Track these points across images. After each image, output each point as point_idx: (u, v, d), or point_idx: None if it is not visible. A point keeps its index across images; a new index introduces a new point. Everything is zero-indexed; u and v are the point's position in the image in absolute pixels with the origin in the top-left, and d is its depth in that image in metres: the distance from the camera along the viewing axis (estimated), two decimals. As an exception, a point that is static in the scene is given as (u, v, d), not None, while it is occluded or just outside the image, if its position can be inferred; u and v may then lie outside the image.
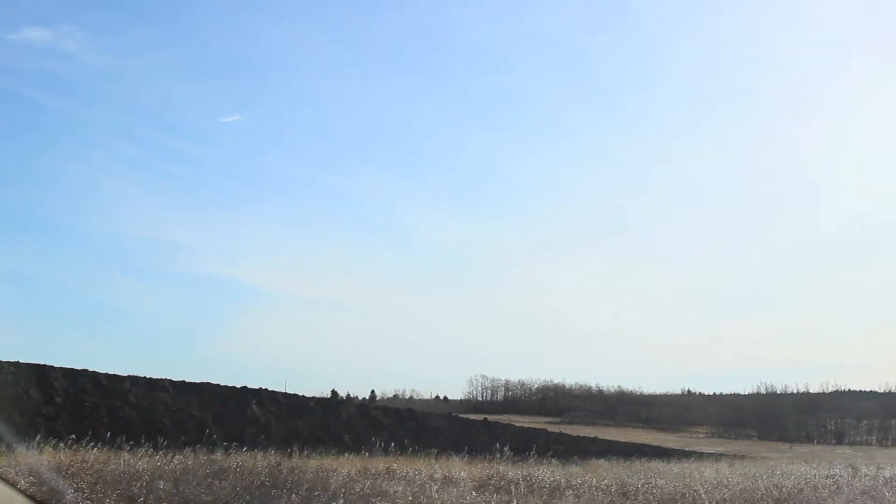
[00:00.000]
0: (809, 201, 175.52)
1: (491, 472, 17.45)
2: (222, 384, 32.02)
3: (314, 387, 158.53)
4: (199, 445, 19.51)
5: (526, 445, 44.12)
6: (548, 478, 16.21)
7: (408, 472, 16.64)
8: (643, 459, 34.02)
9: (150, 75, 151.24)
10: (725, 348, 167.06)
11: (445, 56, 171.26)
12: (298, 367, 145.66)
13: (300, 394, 36.95)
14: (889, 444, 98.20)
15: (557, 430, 53.01)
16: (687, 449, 57.11)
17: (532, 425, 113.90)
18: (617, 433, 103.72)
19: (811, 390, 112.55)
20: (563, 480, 15.86)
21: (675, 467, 24.56)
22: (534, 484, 15.04)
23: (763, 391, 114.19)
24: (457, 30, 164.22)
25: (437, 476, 16.04)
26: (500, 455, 22.08)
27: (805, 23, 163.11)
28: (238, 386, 32.54)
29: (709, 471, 22.13)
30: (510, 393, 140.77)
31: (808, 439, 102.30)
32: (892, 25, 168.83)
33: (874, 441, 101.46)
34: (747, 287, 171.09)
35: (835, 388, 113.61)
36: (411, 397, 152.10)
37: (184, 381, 29.65)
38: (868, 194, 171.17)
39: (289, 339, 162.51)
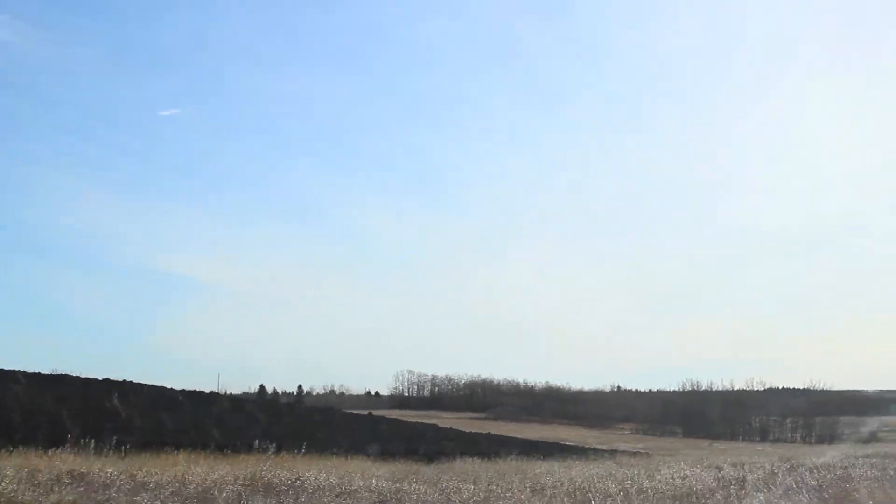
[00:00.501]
0: (743, 202, 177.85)
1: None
2: (82, 376, 29.24)
3: (249, 383, 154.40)
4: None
5: (411, 442, 40.26)
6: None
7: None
8: (535, 457, 31.12)
9: (89, 67, 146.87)
10: (657, 346, 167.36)
11: (389, 52, 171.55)
12: (233, 363, 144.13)
13: (203, 390, 35.56)
14: (812, 440, 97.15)
15: (449, 426, 48.73)
16: (600, 447, 53.46)
17: (456, 421, 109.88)
18: (542, 430, 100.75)
19: (736, 387, 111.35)
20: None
21: (546, 466, 20.59)
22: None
23: (689, 388, 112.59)
24: (400, 26, 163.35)
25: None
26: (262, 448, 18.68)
27: (749, 16, 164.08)
28: (100, 378, 29.43)
29: (576, 471, 18.21)
30: (437, 388, 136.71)
31: (734, 436, 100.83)
32: (833, 21, 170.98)
33: (798, 438, 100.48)
34: (681, 285, 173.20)
35: (762, 386, 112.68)
36: (342, 393, 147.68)
37: (39, 372, 27.29)
38: (800, 197, 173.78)
39: (225, 334, 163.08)
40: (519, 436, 51.72)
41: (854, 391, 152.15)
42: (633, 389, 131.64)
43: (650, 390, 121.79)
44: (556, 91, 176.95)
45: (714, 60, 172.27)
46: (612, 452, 44.67)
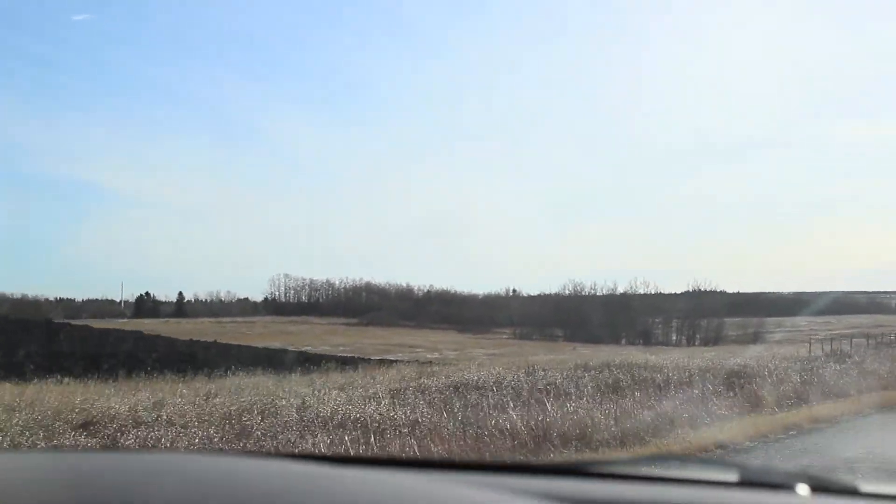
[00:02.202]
0: (647, 114, 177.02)
1: None
2: None
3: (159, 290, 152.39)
4: None
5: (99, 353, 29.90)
6: None
7: None
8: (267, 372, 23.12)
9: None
10: (554, 252, 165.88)
11: None
12: (146, 272, 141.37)
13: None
14: (697, 343, 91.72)
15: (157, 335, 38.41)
16: (400, 356, 44.16)
17: (326, 327, 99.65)
18: (416, 335, 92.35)
19: (621, 290, 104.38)
20: None
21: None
22: None
23: (570, 291, 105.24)
24: None
25: None
26: None
27: None
28: None
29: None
30: (315, 293, 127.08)
31: (616, 340, 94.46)
32: None
33: (683, 341, 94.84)
34: (580, 193, 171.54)
35: (650, 290, 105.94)
36: (222, 300, 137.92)
37: None
38: (701, 111, 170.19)
39: (138, 244, 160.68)
40: (259, 345, 41.76)
41: (768, 293, 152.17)
42: (526, 294, 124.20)
43: (541, 294, 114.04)
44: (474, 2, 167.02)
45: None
46: (394, 363, 35.19)
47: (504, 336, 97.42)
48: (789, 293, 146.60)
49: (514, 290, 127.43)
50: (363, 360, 34.86)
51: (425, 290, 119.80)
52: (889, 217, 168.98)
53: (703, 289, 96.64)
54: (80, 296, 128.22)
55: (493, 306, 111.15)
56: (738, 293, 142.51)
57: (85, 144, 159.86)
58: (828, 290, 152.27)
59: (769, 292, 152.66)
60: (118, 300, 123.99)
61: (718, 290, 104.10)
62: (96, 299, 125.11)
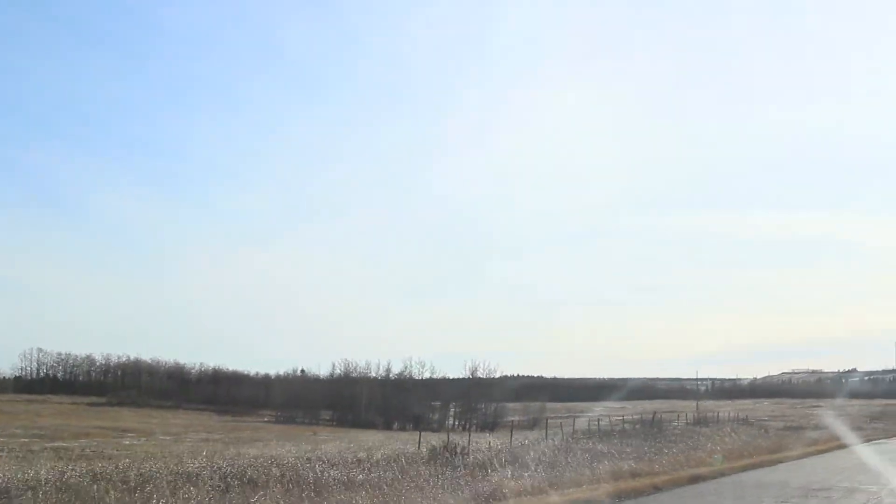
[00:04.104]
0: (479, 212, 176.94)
1: None
2: None
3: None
4: None
5: None
6: None
7: None
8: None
9: None
10: (338, 332, 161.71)
11: (144, 35, 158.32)
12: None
13: None
14: (474, 428, 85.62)
15: None
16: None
17: (58, 407, 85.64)
18: (156, 417, 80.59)
19: (394, 373, 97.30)
20: None
21: None
22: None
23: (341, 372, 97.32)
24: (156, 8, 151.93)
25: None
26: None
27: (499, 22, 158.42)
28: None
29: None
30: (75, 370, 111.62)
31: (387, 425, 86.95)
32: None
33: (458, 425, 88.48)
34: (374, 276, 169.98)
35: (424, 374, 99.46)
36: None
37: None
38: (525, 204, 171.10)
39: None
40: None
41: (577, 378, 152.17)
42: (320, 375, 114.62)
43: (312, 375, 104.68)
44: (313, 85, 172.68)
45: (459, 60, 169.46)
46: None
47: (265, 419, 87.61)
48: (601, 378, 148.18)
49: (303, 370, 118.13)
50: None
51: (196, 369, 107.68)
52: (701, 308, 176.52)
53: (480, 374, 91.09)
54: None
55: (265, 387, 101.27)
56: (535, 377, 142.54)
57: None
58: (640, 376, 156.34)
59: (577, 378, 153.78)
60: None
61: (501, 375, 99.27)
62: None
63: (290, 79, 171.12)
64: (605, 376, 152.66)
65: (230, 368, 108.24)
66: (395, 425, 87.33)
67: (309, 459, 18.80)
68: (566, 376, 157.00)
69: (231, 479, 14.62)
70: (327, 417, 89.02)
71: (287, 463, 17.83)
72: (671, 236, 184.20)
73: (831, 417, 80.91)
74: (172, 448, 38.44)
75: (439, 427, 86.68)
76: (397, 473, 15.85)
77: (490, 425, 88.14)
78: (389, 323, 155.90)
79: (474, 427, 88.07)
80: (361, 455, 22.09)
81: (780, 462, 25.41)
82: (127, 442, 46.63)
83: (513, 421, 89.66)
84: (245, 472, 15.72)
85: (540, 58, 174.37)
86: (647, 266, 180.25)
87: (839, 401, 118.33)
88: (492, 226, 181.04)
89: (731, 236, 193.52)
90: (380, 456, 21.01)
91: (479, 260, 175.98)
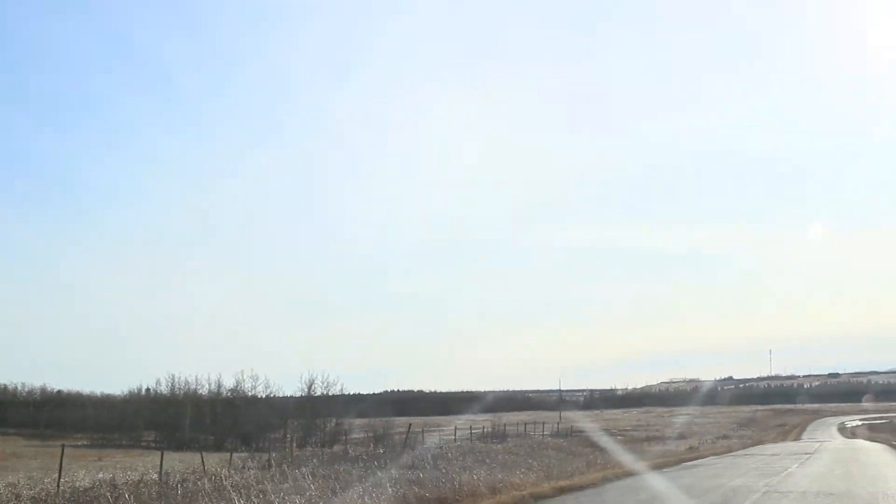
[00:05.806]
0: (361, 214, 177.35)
1: None
2: None
3: None
4: None
5: None
6: None
7: None
8: None
9: None
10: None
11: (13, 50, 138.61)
12: None
13: None
14: (311, 445, 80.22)
15: None
16: None
17: None
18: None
19: (227, 388, 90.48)
20: None
21: None
22: None
23: (165, 388, 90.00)
24: (15, 24, 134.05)
25: None
26: None
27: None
28: None
29: None
30: None
31: (218, 446, 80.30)
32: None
33: (295, 445, 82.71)
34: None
35: (258, 389, 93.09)
36: None
37: None
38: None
39: None
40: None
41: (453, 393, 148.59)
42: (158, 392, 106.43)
43: (130, 392, 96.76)
44: (191, 100, 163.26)
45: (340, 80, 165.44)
46: None
47: (80, 443, 79.79)
48: (477, 391, 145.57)
49: (149, 389, 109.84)
50: None
51: (20, 390, 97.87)
52: (589, 320, 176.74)
53: (317, 389, 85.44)
54: None
55: (93, 409, 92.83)
56: (415, 391, 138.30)
57: None
58: (521, 388, 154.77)
59: (455, 392, 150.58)
60: None
61: (342, 392, 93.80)
62: None
63: (163, 93, 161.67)
64: (485, 389, 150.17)
65: (54, 389, 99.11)
66: (227, 445, 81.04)
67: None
68: (450, 390, 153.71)
69: None
70: (150, 438, 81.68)
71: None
72: (563, 249, 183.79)
73: (679, 426, 79.79)
74: None
75: (280, 446, 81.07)
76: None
77: (329, 443, 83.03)
78: (279, 340, 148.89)
79: (313, 444, 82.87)
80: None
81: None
82: None
83: (353, 438, 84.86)
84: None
85: (433, 68, 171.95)
86: (538, 279, 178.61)
87: (708, 408, 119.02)
88: (387, 242, 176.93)
89: (616, 250, 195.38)
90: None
91: (370, 276, 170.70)
